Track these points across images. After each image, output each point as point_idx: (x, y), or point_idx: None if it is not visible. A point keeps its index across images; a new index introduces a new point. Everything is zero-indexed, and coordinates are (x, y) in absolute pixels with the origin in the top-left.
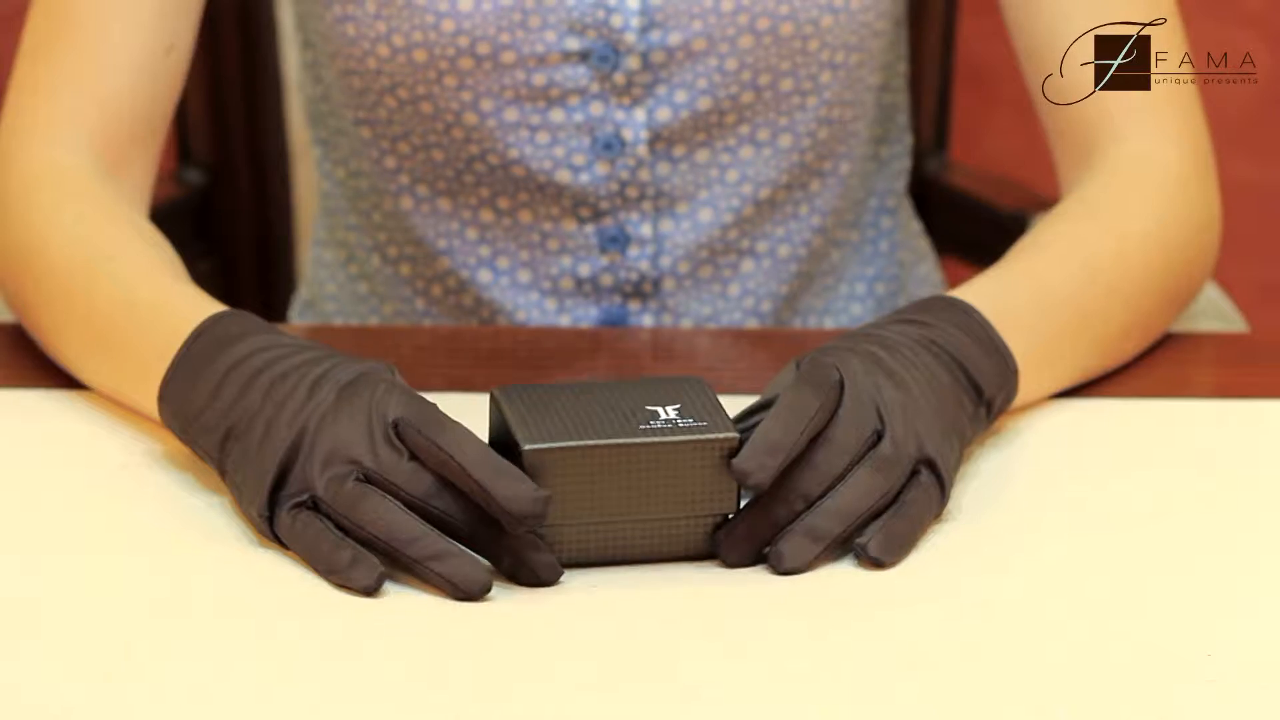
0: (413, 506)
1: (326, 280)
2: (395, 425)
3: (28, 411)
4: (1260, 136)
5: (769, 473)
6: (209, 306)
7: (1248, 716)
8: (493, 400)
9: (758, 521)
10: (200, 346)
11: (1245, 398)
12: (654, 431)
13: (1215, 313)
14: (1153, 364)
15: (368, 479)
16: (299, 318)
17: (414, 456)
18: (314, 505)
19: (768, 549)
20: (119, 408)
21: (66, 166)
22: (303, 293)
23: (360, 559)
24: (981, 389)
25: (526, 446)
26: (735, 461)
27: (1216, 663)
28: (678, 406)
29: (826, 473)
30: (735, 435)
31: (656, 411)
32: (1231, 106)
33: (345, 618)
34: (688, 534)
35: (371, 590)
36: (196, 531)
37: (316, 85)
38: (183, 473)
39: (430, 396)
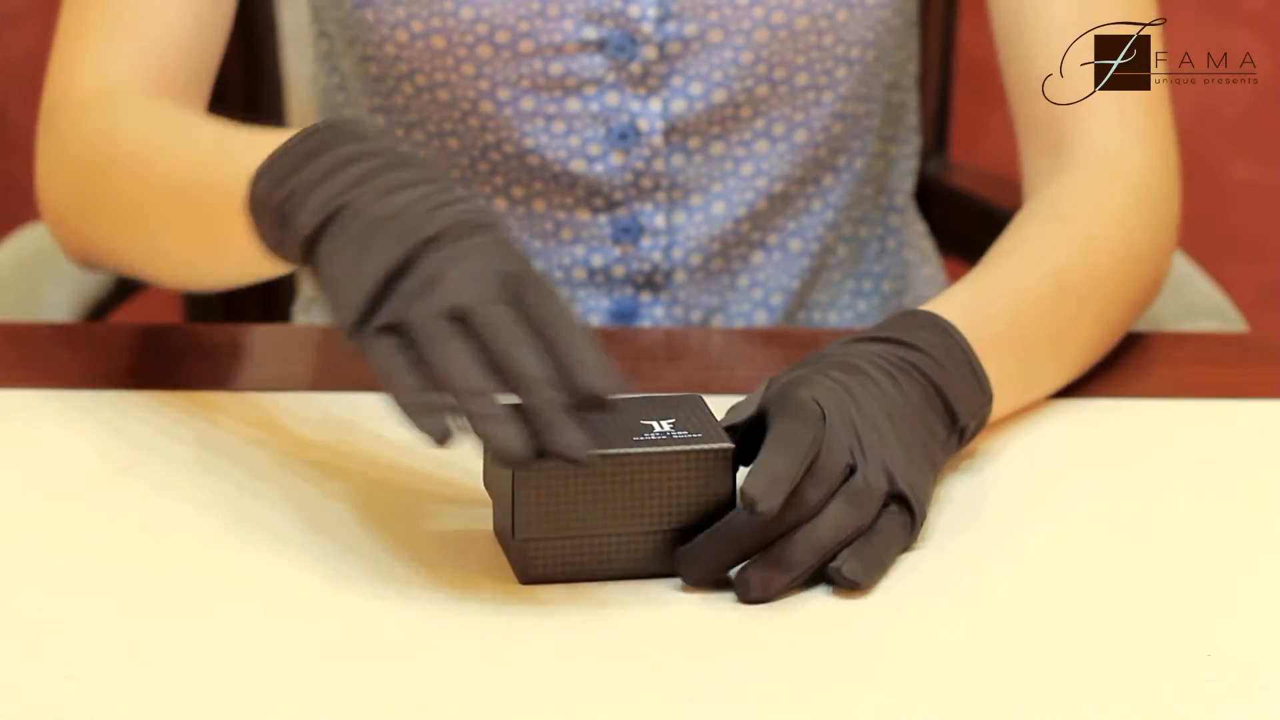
0: (494, 355)
1: None
2: (504, 278)
3: (29, 411)
4: (1260, 136)
5: (777, 500)
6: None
7: (1248, 716)
8: None
9: (724, 544)
10: (319, 138)
11: (1245, 398)
12: (649, 443)
13: (1215, 313)
14: (1153, 364)
15: (462, 319)
16: (304, 314)
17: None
18: (398, 331)
19: (733, 574)
20: (124, 408)
21: (128, 90)
22: (306, 289)
23: (430, 402)
24: (957, 416)
25: (519, 471)
26: (744, 486)
27: (1216, 663)
28: (672, 420)
29: (803, 505)
30: (730, 445)
31: (651, 425)
32: (1231, 106)
33: (345, 619)
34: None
35: (443, 440)
36: (201, 532)
37: (332, 75)
38: (187, 473)
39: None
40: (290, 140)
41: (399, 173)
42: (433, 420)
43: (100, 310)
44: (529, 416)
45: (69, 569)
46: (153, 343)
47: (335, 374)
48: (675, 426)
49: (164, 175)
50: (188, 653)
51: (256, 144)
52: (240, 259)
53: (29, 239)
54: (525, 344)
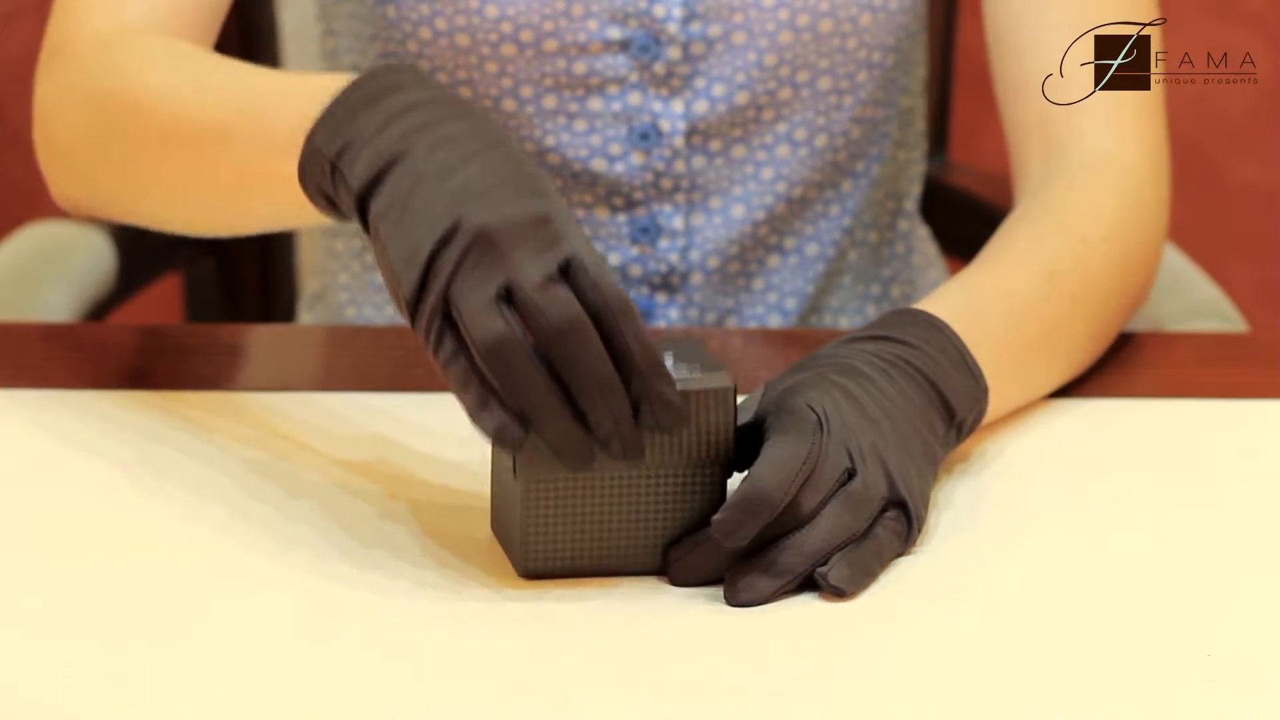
0: (541, 341)
1: (339, 271)
2: (567, 261)
3: (29, 412)
4: (1260, 136)
5: (743, 540)
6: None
7: (1248, 716)
8: None
9: (712, 551)
10: (372, 86)
11: (1245, 398)
12: None
13: (1215, 313)
14: (1153, 364)
15: (509, 296)
16: (308, 311)
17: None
18: (447, 311)
19: (723, 576)
20: (124, 408)
21: (140, 30)
22: (311, 285)
23: (493, 408)
24: (954, 410)
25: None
26: (716, 519)
27: (1216, 663)
28: (671, 354)
29: (797, 513)
30: (731, 385)
31: None
32: (1231, 106)
33: (344, 617)
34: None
35: (506, 444)
36: (200, 532)
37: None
38: (187, 473)
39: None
40: (343, 91)
41: (454, 124)
42: (495, 423)
43: (100, 310)
44: (590, 421)
45: (68, 569)
46: (153, 343)
47: (335, 374)
48: (675, 360)
49: (196, 118)
50: (187, 652)
51: (302, 90)
52: (277, 207)
53: (29, 239)
54: (594, 350)
